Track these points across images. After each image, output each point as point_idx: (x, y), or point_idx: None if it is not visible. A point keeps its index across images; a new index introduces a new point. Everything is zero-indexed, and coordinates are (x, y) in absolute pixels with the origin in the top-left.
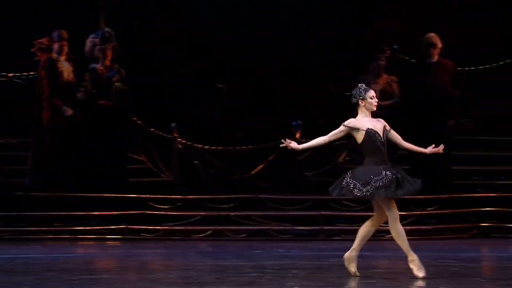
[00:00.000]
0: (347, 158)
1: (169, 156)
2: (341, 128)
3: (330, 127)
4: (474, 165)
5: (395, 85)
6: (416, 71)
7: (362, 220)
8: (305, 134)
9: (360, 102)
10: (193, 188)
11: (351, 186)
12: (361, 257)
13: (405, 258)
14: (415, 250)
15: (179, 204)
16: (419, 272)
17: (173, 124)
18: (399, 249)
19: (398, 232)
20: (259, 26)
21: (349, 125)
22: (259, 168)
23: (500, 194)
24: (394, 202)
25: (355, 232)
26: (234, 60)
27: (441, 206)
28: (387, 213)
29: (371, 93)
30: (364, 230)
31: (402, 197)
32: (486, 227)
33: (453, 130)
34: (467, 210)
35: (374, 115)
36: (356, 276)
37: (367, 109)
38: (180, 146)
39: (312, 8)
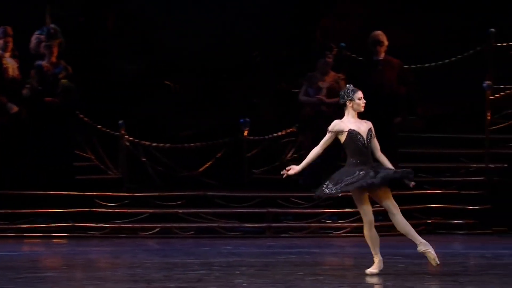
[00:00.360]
0: (295, 155)
1: (117, 153)
2: (328, 135)
3: (278, 124)
4: (420, 162)
5: (342, 83)
6: (363, 69)
7: (310, 217)
8: (253, 131)
9: (348, 103)
10: (141, 185)
11: (324, 186)
12: (308, 254)
13: (352, 254)
14: (363, 246)
15: (127, 201)
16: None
17: (120, 121)
18: (345, 246)
19: (371, 237)
20: (207, 23)
21: (333, 130)
22: (207, 165)
23: (446, 191)
24: (369, 206)
25: (302, 229)
26: (182, 57)
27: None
28: (362, 216)
29: (359, 94)
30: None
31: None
32: (432, 223)
33: (399, 127)
34: (414, 207)
35: (322, 116)
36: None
37: (354, 110)
38: (127, 143)
39: (260, 5)
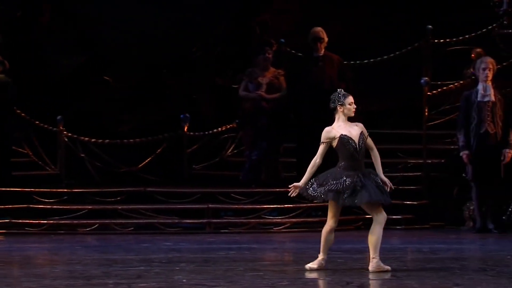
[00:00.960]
0: (235, 151)
1: (55, 149)
2: (322, 145)
3: (218, 120)
4: None
5: (282, 78)
6: (303, 65)
7: (250, 213)
8: (193, 127)
9: (338, 108)
10: (80, 181)
11: (308, 185)
12: (248, 250)
13: (292, 250)
14: (303, 242)
15: (65, 197)
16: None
17: (59, 117)
18: (285, 241)
19: (326, 238)
20: (146, 18)
21: (326, 140)
22: (146, 161)
23: None
24: (337, 212)
25: (242, 225)
26: (120, 53)
27: None
28: (328, 218)
29: (350, 99)
30: (371, 235)
31: (350, 205)
32: (370, 219)
33: None
34: None
35: (262, 112)
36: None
37: (345, 115)
38: (66, 139)
39: (200, 1)
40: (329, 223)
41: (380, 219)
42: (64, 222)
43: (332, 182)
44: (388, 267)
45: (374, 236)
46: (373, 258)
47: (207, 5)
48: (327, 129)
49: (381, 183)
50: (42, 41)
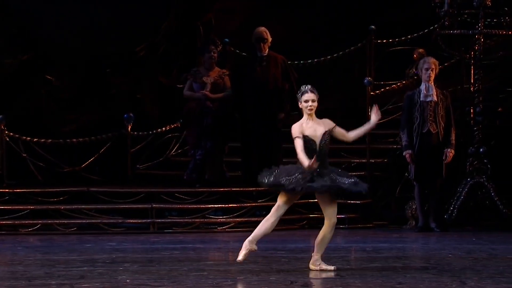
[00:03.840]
0: (179, 150)
1: None
2: (297, 140)
3: (162, 120)
4: None
5: (226, 78)
6: (247, 65)
7: (194, 212)
8: (137, 127)
9: (299, 105)
10: (22, 181)
11: (265, 173)
12: (192, 249)
13: (236, 249)
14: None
15: (7, 197)
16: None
17: (0, 116)
18: (230, 241)
19: (266, 227)
20: (89, 16)
21: (299, 135)
22: (90, 161)
23: None
24: (285, 208)
25: (186, 225)
26: (63, 51)
27: (272, 198)
28: (274, 210)
29: (305, 96)
30: (320, 235)
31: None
32: (315, 218)
33: (283, 122)
34: (296, 201)
35: (207, 111)
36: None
37: (305, 112)
38: (7, 139)
39: None
40: (274, 213)
41: (328, 219)
42: (5, 223)
43: (283, 177)
44: (331, 267)
45: (320, 236)
46: (314, 255)
47: (151, 4)
48: (295, 125)
49: (346, 180)
50: None
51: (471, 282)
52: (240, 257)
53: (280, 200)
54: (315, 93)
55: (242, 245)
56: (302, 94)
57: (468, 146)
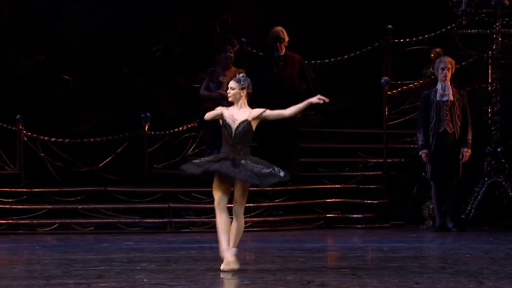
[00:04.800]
0: (196, 150)
1: (14, 148)
2: (214, 112)
3: (179, 119)
4: (320, 157)
5: None
6: (264, 64)
7: (211, 212)
8: (153, 126)
9: None
10: (39, 181)
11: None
12: (209, 249)
13: (253, 249)
14: (263, 241)
15: (24, 197)
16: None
17: (18, 116)
18: (246, 240)
19: (221, 223)
20: (106, 16)
21: (215, 113)
22: (107, 160)
23: (344, 185)
24: (219, 193)
25: (203, 224)
26: (80, 51)
27: (288, 198)
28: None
29: (230, 83)
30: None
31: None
32: (331, 218)
33: (299, 122)
34: (313, 201)
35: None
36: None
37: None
38: (25, 138)
39: None
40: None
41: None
42: (23, 222)
43: (203, 162)
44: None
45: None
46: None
47: (168, 4)
48: (221, 107)
49: (261, 171)
50: (1, 40)
51: (488, 282)
52: (230, 266)
53: (214, 195)
54: (238, 82)
55: (226, 257)
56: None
57: (485, 145)
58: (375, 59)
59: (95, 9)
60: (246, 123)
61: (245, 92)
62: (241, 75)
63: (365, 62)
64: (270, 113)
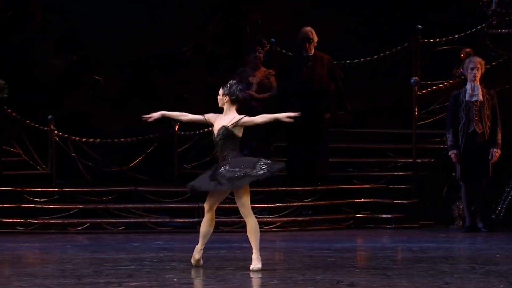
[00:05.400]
0: None
1: (46, 148)
2: (201, 116)
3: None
4: (349, 157)
5: (272, 78)
6: (293, 65)
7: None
8: (184, 127)
9: None
10: (71, 180)
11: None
12: (238, 249)
13: (283, 249)
14: (293, 241)
15: (56, 197)
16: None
17: (49, 116)
18: (276, 240)
19: (201, 230)
20: (137, 17)
21: (205, 116)
22: (137, 160)
23: (374, 185)
24: (209, 203)
25: (233, 224)
26: (111, 52)
27: (318, 198)
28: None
29: (220, 90)
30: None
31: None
32: (361, 218)
33: (329, 122)
34: (343, 201)
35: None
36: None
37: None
38: (57, 139)
39: (191, 0)
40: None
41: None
42: (55, 222)
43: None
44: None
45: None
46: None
47: (198, 4)
48: (212, 114)
49: (235, 175)
50: (33, 40)
51: None
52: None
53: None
54: (223, 88)
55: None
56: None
57: None
58: (405, 59)
59: (126, 10)
60: (223, 129)
61: (227, 98)
62: (232, 81)
63: (394, 62)
64: (246, 119)
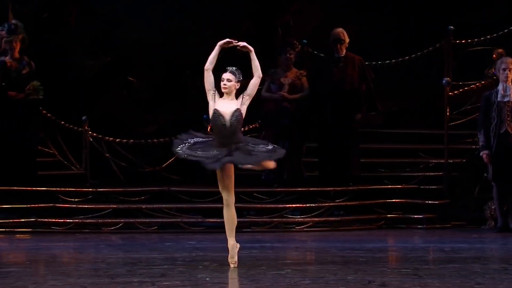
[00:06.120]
0: None
1: (80, 149)
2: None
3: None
4: (380, 157)
5: (304, 79)
6: (324, 65)
7: (272, 212)
8: None
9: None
10: (104, 181)
11: (180, 143)
12: (270, 249)
13: (314, 249)
14: (324, 241)
15: (90, 197)
16: (231, 259)
17: (84, 117)
18: (307, 240)
19: (226, 218)
20: (169, 18)
21: (210, 91)
22: (170, 160)
23: (405, 185)
24: (223, 188)
25: (264, 224)
26: (144, 53)
27: (349, 198)
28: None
29: (224, 75)
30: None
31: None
32: (392, 218)
33: (360, 123)
34: (374, 201)
35: (284, 112)
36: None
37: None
38: (91, 139)
39: (222, 1)
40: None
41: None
42: (89, 221)
43: (199, 153)
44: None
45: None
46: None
47: (230, 5)
48: (212, 101)
49: (256, 149)
50: (68, 42)
51: None
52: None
53: (219, 183)
54: (234, 75)
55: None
56: (224, 72)
57: None
58: (437, 60)
59: (160, 11)
60: (238, 112)
61: (239, 85)
62: (233, 68)
63: (426, 63)
64: (249, 92)
